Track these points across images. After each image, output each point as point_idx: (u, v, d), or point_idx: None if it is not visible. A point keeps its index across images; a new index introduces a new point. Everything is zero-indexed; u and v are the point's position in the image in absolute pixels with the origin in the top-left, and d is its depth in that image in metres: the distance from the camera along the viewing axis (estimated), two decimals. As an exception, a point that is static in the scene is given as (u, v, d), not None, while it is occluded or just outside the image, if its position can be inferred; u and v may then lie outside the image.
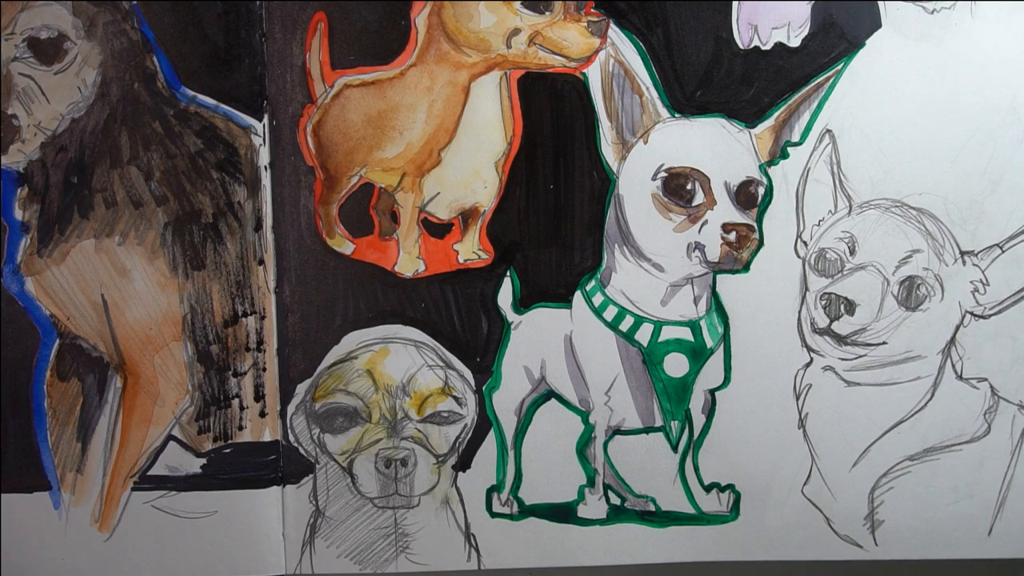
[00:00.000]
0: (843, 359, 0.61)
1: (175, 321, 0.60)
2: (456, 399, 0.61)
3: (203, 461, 0.61)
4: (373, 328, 0.61)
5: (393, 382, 0.61)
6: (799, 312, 0.61)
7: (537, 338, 0.61)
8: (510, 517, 0.62)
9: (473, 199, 0.61)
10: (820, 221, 0.60)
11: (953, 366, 0.61)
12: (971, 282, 0.60)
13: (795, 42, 0.59)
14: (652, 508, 0.62)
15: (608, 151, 0.60)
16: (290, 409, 0.61)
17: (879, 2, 0.59)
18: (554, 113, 0.60)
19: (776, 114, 0.60)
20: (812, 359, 0.61)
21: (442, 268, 0.61)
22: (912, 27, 0.59)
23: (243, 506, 0.61)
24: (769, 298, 0.61)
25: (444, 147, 0.60)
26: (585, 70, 0.59)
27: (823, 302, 0.60)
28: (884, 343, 0.61)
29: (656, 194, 0.60)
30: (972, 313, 0.61)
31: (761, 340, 0.61)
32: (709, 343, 0.61)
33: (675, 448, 0.62)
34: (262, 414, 0.61)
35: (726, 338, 0.61)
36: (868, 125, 0.60)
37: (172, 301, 0.60)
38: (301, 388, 0.61)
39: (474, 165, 0.60)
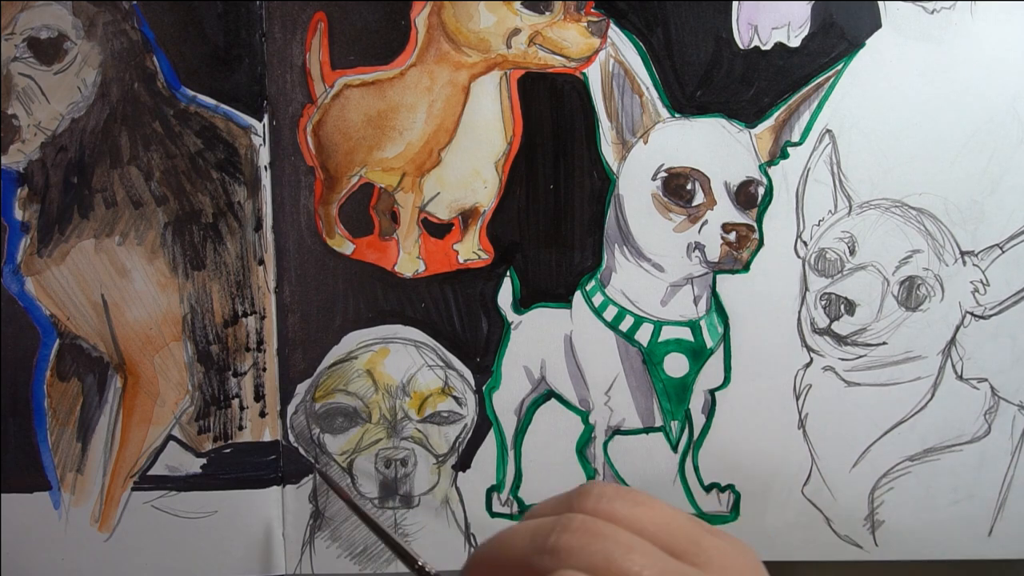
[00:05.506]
0: (843, 359, 0.61)
1: (175, 321, 0.60)
2: (456, 399, 0.61)
3: (203, 461, 0.61)
4: (373, 328, 0.61)
5: (393, 382, 0.61)
6: (799, 312, 0.61)
7: (537, 338, 0.61)
8: (510, 517, 0.62)
9: (473, 199, 0.61)
10: (820, 221, 0.60)
11: (953, 366, 0.61)
12: (971, 282, 0.60)
13: (795, 42, 0.59)
14: (652, 508, 0.62)
15: (608, 151, 0.60)
16: (290, 409, 0.61)
17: (879, 2, 0.59)
18: (554, 113, 0.60)
19: (776, 114, 0.60)
20: (812, 359, 0.61)
21: (442, 268, 0.61)
22: (912, 27, 0.59)
23: (243, 506, 0.61)
24: (769, 298, 0.61)
25: (444, 147, 0.60)
26: (585, 70, 0.59)
27: (823, 302, 0.60)
28: (884, 343, 0.61)
29: (656, 194, 0.60)
30: (972, 313, 0.61)
31: (761, 340, 0.61)
32: (709, 343, 0.61)
33: (675, 448, 0.62)
34: (262, 414, 0.61)
35: (726, 338, 0.61)
36: (868, 125, 0.60)
37: (172, 301, 0.60)
38: (301, 388, 0.61)
39: (474, 165, 0.60)
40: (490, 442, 0.62)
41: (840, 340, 0.61)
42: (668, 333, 0.61)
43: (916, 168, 0.60)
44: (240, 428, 0.61)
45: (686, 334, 0.61)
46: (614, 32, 0.59)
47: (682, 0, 0.59)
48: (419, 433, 0.61)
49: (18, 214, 0.59)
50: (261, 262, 0.60)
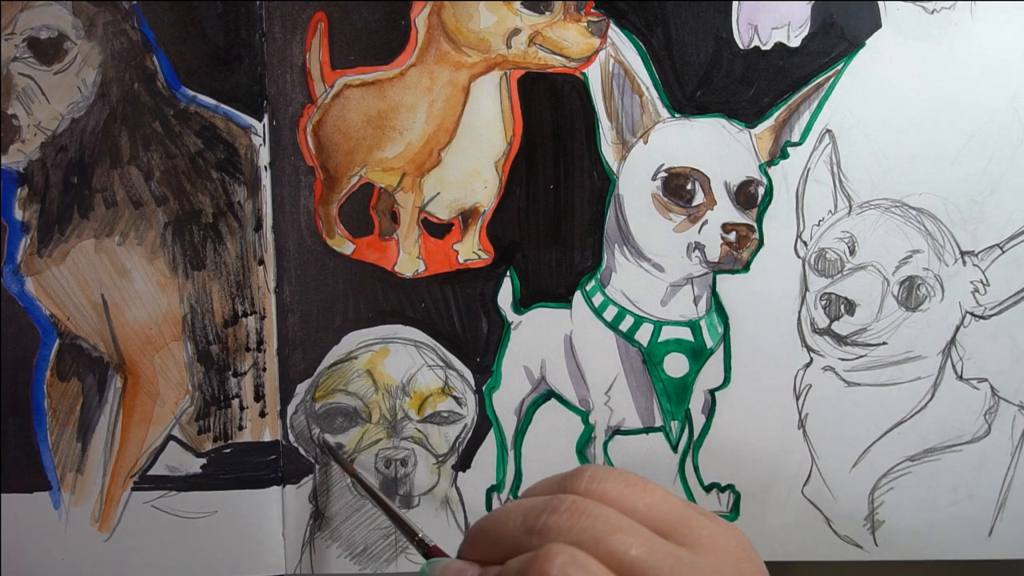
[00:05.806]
0: (843, 359, 0.61)
1: (175, 321, 0.60)
2: (456, 399, 0.61)
3: (203, 461, 0.61)
4: (373, 328, 0.61)
5: (393, 382, 0.61)
6: (799, 312, 0.61)
7: (537, 338, 0.61)
8: (510, 517, 0.62)
9: (473, 199, 0.61)
10: (820, 221, 0.60)
11: (953, 366, 0.61)
12: (971, 282, 0.60)
13: (795, 42, 0.59)
14: (652, 508, 0.62)
15: (608, 151, 0.60)
16: (290, 409, 0.61)
17: (879, 2, 0.59)
18: (554, 113, 0.60)
19: (776, 114, 0.60)
20: (812, 359, 0.61)
21: (442, 268, 0.61)
22: (912, 27, 0.59)
23: (243, 506, 0.61)
24: (769, 298, 0.61)
25: (444, 147, 0.60)
26: (585, 70, 0.59)
27: (823, 302, 0.60)
28: (884, 343, 0.61)
29: (656, 194, 0.60)
30: (972, 313, 0.61)
31: (761, 340, 0.61)
32: (709, 343, 0.61)
33: (675, 448, 0.62)
34: (262, 414, 0.61)
35: (726, 338, 0.61)
36: (868, 125, 0.60)
37: (172, 301, 0.60)
38: (301, 388, 0.61)
39: (474, 165, 0.60)
40: (490, 442, 0.62)
41: (840, 340, 0.61)
42: (668, 333, 0.61)
43: (916, 168, 0.60)
44: (240, 428, 0.61)
45: (686, 334, 0.61)
46: (614, 32, 0.59)
47: (682, 0, 0.59)
48: (419, 433, 0.61)
49: (18, 214, 0.59)
50: (261, 262, 0.60)
